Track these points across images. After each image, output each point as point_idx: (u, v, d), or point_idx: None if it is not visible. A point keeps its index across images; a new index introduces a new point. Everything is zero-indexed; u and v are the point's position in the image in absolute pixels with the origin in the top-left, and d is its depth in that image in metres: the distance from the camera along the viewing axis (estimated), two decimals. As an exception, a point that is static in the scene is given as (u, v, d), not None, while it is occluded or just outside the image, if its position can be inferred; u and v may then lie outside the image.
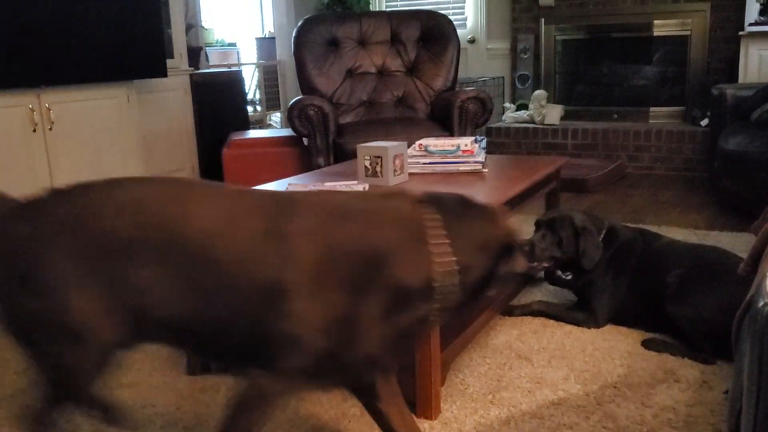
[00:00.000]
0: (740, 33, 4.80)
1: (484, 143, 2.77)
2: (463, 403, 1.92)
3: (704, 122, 5.03)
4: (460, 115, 3.95)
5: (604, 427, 1.77)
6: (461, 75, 5.97)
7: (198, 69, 5.10)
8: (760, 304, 0.83)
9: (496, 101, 5.91)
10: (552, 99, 5.82)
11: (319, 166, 3.87)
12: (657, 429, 1.75)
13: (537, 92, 5.64)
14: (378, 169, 2.38)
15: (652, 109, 5.56)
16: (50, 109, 3.54)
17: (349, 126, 4.08)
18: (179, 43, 4.53)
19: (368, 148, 2.39)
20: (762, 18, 4.73)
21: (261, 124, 6.55)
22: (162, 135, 4.45)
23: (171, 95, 4.49)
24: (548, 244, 2.36)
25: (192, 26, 5.27)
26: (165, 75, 4.13)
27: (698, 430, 1.75)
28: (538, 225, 2.42)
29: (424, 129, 3.92)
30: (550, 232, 2.37)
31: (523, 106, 5.83)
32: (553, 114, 5.56)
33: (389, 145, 2.38)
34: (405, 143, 2.50)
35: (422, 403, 1.84)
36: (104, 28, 3.69)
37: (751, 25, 4.72)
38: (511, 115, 5.78)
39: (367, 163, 2.39)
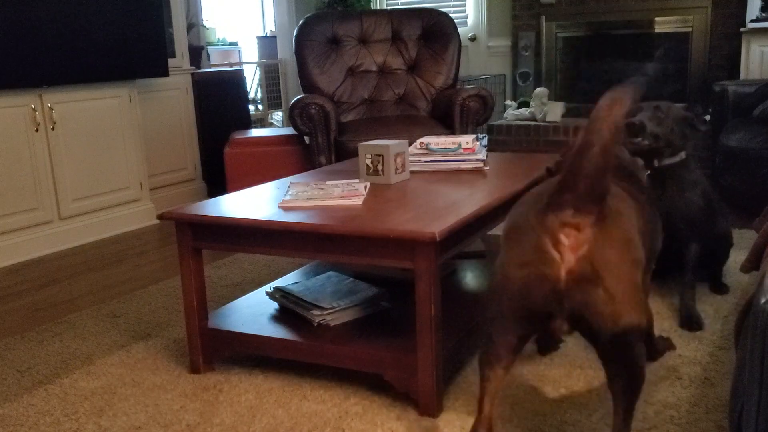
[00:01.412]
0: (741, 29, 4.79)
1: (485, 141, 2.77)
2: (465, 401, 1.92)
3: (707, 118, 5.02)
4: (462, 113, 3.95)
5: (606, 424, 1.77)
6: (463, 73, 5.97)
7: (199, 68, 5.10)
8: (762, 301, 0.83)
9: (498, 99, 5.91)
10: (553, 96, 5.82)
11: (320, 165, 3.87)
12: (659, 426, 1.76)
13: (538, 89, 5.64)
14: (379, 167, 2.38)
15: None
16: (52, 109, 3.55)
17: (350, 124, 4.08)
18: (181, 42, 4.53)
19: (369, 146, 2.39)
20: (763, 14, 4.72)
21: (263, 123, 6.55)
22: (164, 134, 4.46)
23: (173, 94, 4.49)
24: (655, 123, 2.39)
25: (193, 25, 5.28)
26: (167, 74, 4.13)
27: (701, 427, 1.75)
28: (640, 108, 2.44)
29: (426, 127, 3.92)
30: (653, 113, 2.41)
31: (524, 104, 5.82)
32: (555, 111, 5.56)
33: (390, 144, 2.38)
34: (406, 141, 2.50)
35: (424, 402, 1.84)
36: (106, 28, 3.70)
37: (752, 21, 4.72)
38: (512, 113, 5.77)
39: (368, 162, 2.39)
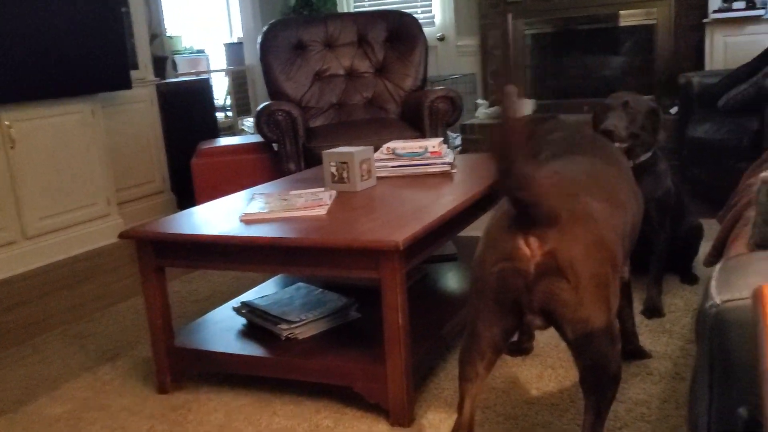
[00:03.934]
0: (705, 20, 4.83)
1: (459, 140, 2.75)
2: (437, 408, 1.91)
3: (673, 110, 5.06)
4: (431, 115, 3.94)
5: (577, 425, 1.77)
6: (433, 73, 5.96)
7: (164, 79, 5.04)
8: (707, 305, 0.82)
9: (469, 98, 5.91)
10: (523, 93, 5.83)
11: (290, 172, 3.84)
12: (630, 424, 1.75)
13: (508, 87, 5.63)
14: (345, 174, 2.36)
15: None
16: (11, 128, 3.48)
17: (319, 129, 4.06)
18: (143, 53, 4.47)
19: (334, 154, 2.37)
20: (725, 4, 4.76)
21: (233, 130, 6.49)
22: (130, 148, 4.40)
23: (138, 107, 4.43)
24: (627, 123, 2.38)
25: (156, 36, 5.22)
26: (130, 87, 4.08)
27: (671, 423, 1.75)
28: (609, 108, 2.43)
29: (395, 130, 3.91)
30: (623, 111, 2.40)
31: (496, 102, 5.82)
32: (525, 109, 5.57)
33: (355, 150, 2.36)
34: (371, 148, 2.48)
35: (395, 411, 1.82)
36: (64, 42, 3.64)
37: (715, 12, 4.75)
38: (484, 112, 5.77)
39: (333, 170, 2.37)
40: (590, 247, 1.36)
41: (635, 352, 2.08)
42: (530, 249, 1.35)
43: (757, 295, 0.77)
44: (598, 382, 1.42)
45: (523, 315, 1.42)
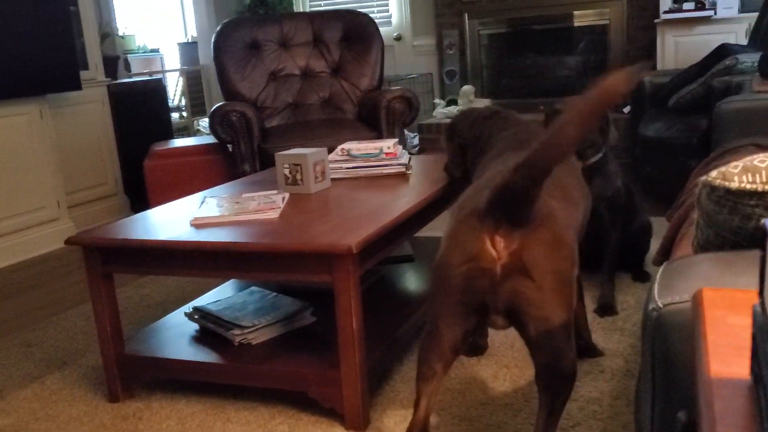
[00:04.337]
0: (656, 21, 4.92)
1: (416, 140, 2.75)
2: (393, 410, 1.90)
3: (626, 109, 5.14)
4: (387, 115, 3.93)
5: (531, 424, 1.78)
6: (390, 72, 5.96)
7: (116, 79, 4.94)
8: (650, 308, 0.83)
9: (426, 98, 5.92)
10: (480, 93, 5.86)
11: (245, 173, 3.80)
12: (583, 422, 1.77)
13: (465, 87, 5.67)
14: (298, 177, 2.33)
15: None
16: (-45, 130, 3.37)
17: (275, 130, 4.02)
18: (94, 53, 4.37)
19: (287, 156, 2.34)
20: (675, 5, 4.85)
21: (188, 131, 6.40)
22: (81, 150, 4.30)
23: (88, 108, 4.33)
24: None
25: (108, 35, 5.11)
26: (79, 88, 3.98)
27: (622, 421, 1.77)
28: (558, 112, 2.43)
29: (352, 130, 3.89)
30: None
31: (453, 102, 5.84)
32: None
33: (309, 152, 2.34)
34: (325, 149, 2.46)
35: (350, 415, 1.81)
36: (9, 42, 3.53)
37: (665, 12, 4.84)
38: (441, 111, 5.79)
39: (286, 172, 2.34)
40: (553, 245, 1.39)
41: (587, 349, 2.10)
42: (496, 250, 1.37)
43: (696, 299, 0.78)
44: (554, 379, 1.43)
45: (487, 315, 1.43)
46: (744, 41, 4.46)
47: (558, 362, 1.42)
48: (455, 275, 1.41)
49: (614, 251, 2.52)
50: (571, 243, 1.44)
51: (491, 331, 2.33)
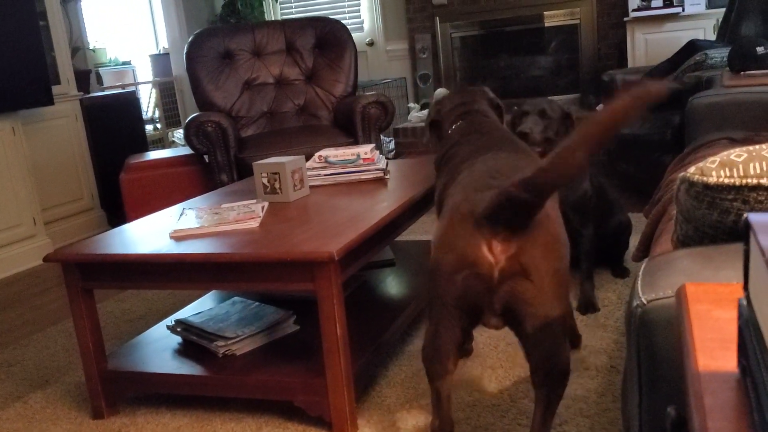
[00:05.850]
0: (625, 19, 4.98)
1: (392, 144, 2.76)
2: (381, 416, 1.90)
3: (599, 107, 5.19)
4: (363, 121, 3.94)
5: (518, 424, 1.79)
6: (364, 78, 5.97)
7: (88, 93, 4.89)
8: (633, 305, 0.84)
9: (400, 102, 5.94)
10: (454, 95, 5.88)
11: (222, 184, 3.78)
12: (570, 420, 1.78)
13: (438, 91, 5.69)
14: (277, 185, 2.33)
15: (549, 98, 5.70)
16: (-75, 149, 3.31)
17: (251, 139, 4.00)
18: (65, 67, 4.33)
19: (265, 165, 2.33)
20: (644, 3, 4.92)
21: (163, 143, 6.35)
22: (56, 166, 4.25)
23: (61, 122, 4.28)
24: (542, 128, 2.45)
25: (79, 49, 5.06)
26: (51, 103, 3.94)
27: (610, 417, 1.78)
28: (526, 113, 2.48)
29: (328, 136, 3.89)
30: (540, 117, 2.46)
31: (427, 105, 5.87)
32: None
33: (286, 161, 2.33)
34: (303, 157, 2.46)
35: (338, 423, 1.80)
36: (-21, 59, 3.49)
37: (634, 11, 4.91)
38: (416, 115, 5.81)
39: (264, 181, 2.34)
40: (550, 245, 1.40)
41: (571, 335, 2.13)
42: (494, 254, 1.37)
43: (680, 294, 0.79)
44: (551, 374, 1.45)
45: (482, 315, 1.44)
46: (712, 37, 4.53)
47: (554, 357, 1.43)
48: (452, 281, 1.41)
49: (589, 250, 2.54)
50: (565, 239, 1.46)
51: (476, 333, 2.34)
